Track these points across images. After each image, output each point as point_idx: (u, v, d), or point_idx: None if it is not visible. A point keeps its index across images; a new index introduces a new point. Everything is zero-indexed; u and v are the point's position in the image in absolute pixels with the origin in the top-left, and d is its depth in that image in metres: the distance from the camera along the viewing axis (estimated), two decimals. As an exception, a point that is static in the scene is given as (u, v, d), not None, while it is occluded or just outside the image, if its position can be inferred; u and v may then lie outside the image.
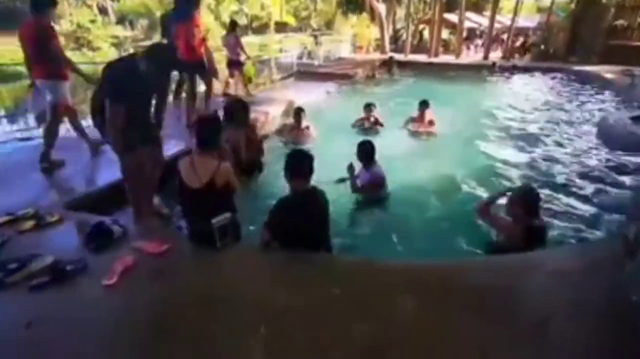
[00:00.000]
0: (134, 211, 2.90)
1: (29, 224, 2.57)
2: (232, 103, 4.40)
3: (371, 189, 3.67)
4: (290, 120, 5.82)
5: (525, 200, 2.65)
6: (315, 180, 2.48)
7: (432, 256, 2.75)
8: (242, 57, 7.59)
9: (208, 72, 5.40)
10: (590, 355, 1.68)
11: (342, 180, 3.84)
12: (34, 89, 3.95)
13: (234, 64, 7.51)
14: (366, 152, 3.69)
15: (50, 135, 3.83)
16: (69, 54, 4.70)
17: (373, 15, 17.48)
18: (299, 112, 5.62)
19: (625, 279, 2.11)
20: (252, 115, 5.39)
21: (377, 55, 15.61)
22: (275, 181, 3.66)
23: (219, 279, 2.22)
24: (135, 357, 1.70)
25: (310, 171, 2.40)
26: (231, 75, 7.59)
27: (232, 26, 7.69)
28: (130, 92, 2.55)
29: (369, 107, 6.11)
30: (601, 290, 2.08)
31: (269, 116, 6.13)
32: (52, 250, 2.30)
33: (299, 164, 2.39)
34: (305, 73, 10.58)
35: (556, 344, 1.71)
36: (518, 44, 17.07)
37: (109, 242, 2.39)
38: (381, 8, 16.47)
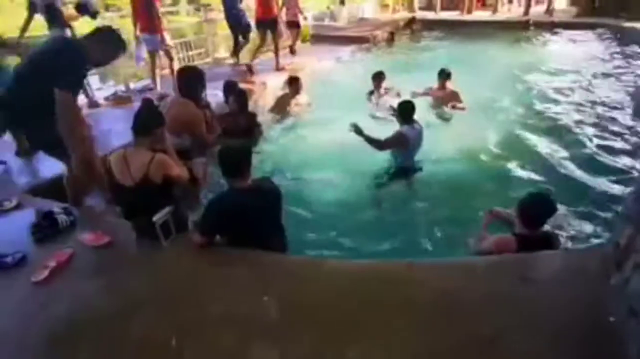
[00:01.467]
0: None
1: (-16, 211, 2.58)
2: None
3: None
4: (285, 91, 5.28)
5: (524, 209, 2.29)
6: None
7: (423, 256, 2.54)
8: (300, 18, 8.11)
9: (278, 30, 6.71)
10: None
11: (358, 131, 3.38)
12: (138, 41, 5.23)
13: (291, 24, 7.87)
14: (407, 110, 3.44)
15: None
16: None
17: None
18: (292, 82, 5.12)
19: (607, 293, 1.80)
20: (247, 86, 5.19)
21: (403, 15, 14.49)
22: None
23: (151, 279, 2.12)
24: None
25: (248, 167, 2.17)
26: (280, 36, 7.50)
27: None
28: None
29: (378, 76, 5.34)
30: (573, 304, 1.80)
31: (266, 86, 5.81)
32: (1, 238, 2.31)
33: (235, 163, 2.15)
34: (321, 37, 9.98)
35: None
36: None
37: (54, 233, 2.35)
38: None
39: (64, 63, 2.30)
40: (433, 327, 1.71)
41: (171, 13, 18.82)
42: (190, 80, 3.17)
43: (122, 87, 5.97)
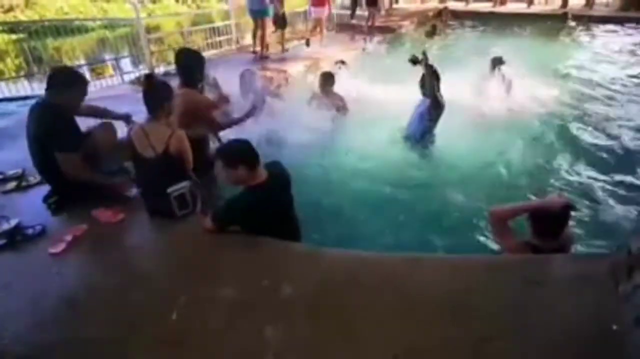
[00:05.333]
0: None
1: (12, 185, 2.74)
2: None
3: None
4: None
5: (537, 217, 2.10)
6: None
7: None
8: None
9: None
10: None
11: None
12: None
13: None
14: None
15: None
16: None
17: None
18: (324, 79, 4.47)
19: (614, 301, 1.74)
20: (267, 74, 5.19)
21: (433, 4, 14.09)
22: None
23: (159, 256, 2.22)
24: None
25: (257, 157, 2.17)
26: None
27: None
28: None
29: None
30: (578, 309, 1.74)
31: (286, 75, 5.81)
32: (25, 211, 2.46)
33: (233, 154, 2.15)
34: (346, 25, 9.86)
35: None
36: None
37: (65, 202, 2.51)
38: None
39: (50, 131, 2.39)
40: (432, 323, 1.70)
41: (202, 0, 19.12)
42: (190, 66, 2.99)
43: (147, 71, 6.14)
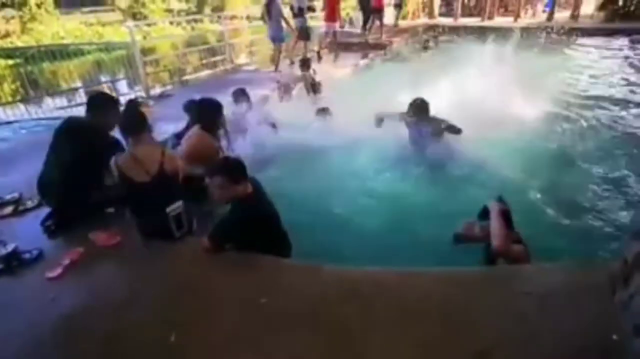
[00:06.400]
0: None
1: (9, 209, 2.74)
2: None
3: None
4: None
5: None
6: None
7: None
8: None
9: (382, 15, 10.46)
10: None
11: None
12: None
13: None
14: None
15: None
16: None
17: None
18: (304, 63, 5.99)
19: (612, 310, 1.74)
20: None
21: (423, 21, 14.42)
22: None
23: (156, 279, 2.20)
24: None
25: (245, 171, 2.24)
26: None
27: None
28: None
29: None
30: (576, 319, 1.75)
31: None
32: (22, 235, 2.46)
33: (237, 168, 2.22)
34: (339, 44, 10.03)
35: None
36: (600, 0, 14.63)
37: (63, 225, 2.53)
38: (430, -33, 15.05)
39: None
40: (429, 336, 1.70)
41: (195, 21, 19.47)
42: (209, 112, 3.12)
43: (142, 94, 6.21)
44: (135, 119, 2.45)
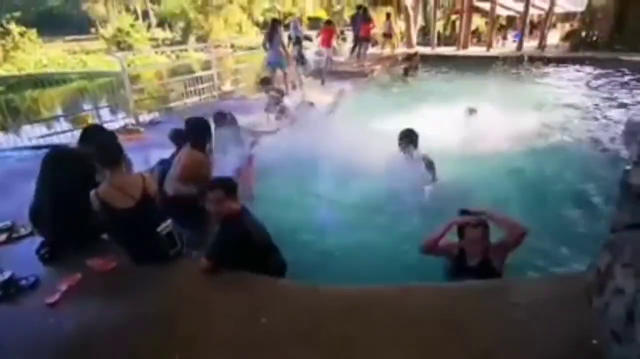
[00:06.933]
0: None
1: (2, 237, 2.73)
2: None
3: None
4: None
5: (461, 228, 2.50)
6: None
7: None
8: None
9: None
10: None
11: None
12: None
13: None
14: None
15: None
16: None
17: (400, 7, 16.91)
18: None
19: (590, 317, 1.88)
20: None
21: (402, 50, 15.11)
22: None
23: (151, 301, 2.23)
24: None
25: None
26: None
27: (387, 16, 14.40)
28: None
29: None
30: (559, 328, 1.87)
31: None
32: (16, 263, 2.45)
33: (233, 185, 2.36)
34: (322, 71, 10.41)
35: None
36: (565, 31, 15.77)
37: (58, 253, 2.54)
38: (407, 0, 15.90)
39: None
40: (430, 340, 1.82)
41: (180, 50, 19.81)
42: (198, 130, 3.23)
43: (132, 120, 6.26)
44: (112, 151, 2.48)
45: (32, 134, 6.11)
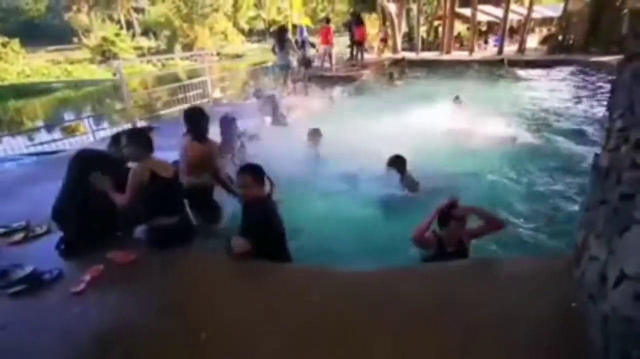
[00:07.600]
0: None
1: (19, 236, 2.84)
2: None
3: None
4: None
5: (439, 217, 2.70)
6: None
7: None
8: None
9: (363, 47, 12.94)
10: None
11: None
12: None
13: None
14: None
15: None
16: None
17: (384, 14, 17.36)
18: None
19: (572, 287, 2.12)
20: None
21: (388, 55, 15.52)
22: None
23: (170, 289, 2.38)
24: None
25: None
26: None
27: (383, 21, 16.46)
28: None
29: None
30: (542, 298, 2.10)
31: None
32: (35, 259, 2.57)
33: (261, 172, 2.52)
34: (309, 77, 10.65)
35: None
36: (543, 35, 16.45)
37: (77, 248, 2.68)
38: (391, 7, 16.35)
39: None
40: (423, 311, 2.02)
41: (167, 59, 19.85)
42: (200, 120, 3.27)
43: (128, 126, 6.38)
44: (148, 144, 2.67)
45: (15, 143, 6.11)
